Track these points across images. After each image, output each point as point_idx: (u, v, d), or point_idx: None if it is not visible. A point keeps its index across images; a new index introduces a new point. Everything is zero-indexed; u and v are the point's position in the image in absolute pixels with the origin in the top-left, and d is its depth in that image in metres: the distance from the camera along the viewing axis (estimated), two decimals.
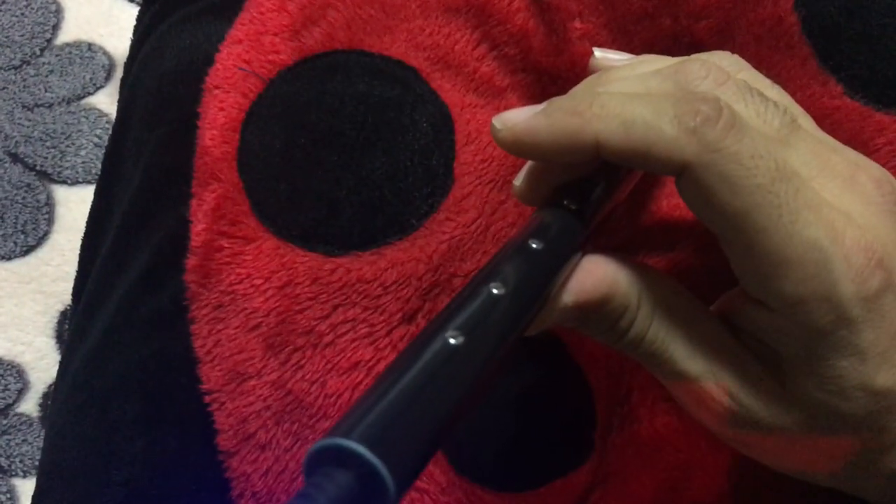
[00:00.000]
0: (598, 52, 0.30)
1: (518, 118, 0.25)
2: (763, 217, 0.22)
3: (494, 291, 0.21)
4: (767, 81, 0.27)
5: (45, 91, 0.96)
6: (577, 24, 0.36)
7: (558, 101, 0.25)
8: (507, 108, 0.36)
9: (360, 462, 0.17)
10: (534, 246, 0.23)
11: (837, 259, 0.22)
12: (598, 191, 0.26)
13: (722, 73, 0.25)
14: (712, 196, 0.22)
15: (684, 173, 0.23)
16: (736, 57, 0.27)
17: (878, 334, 0.23)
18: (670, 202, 0.33)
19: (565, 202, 0.26)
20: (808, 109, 0.27)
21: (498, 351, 0.21)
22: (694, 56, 0.27)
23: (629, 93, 0.24)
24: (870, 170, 0.25)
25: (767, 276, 0.23)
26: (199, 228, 0.34)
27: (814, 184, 0.23)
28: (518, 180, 0.28)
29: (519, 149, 0.25)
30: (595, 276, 0.25)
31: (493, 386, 0.21)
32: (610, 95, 0.24)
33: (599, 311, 0.25)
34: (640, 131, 0.23)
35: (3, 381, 0.87)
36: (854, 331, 0.23)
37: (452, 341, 0.20)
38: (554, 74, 0.36)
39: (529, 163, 0.28)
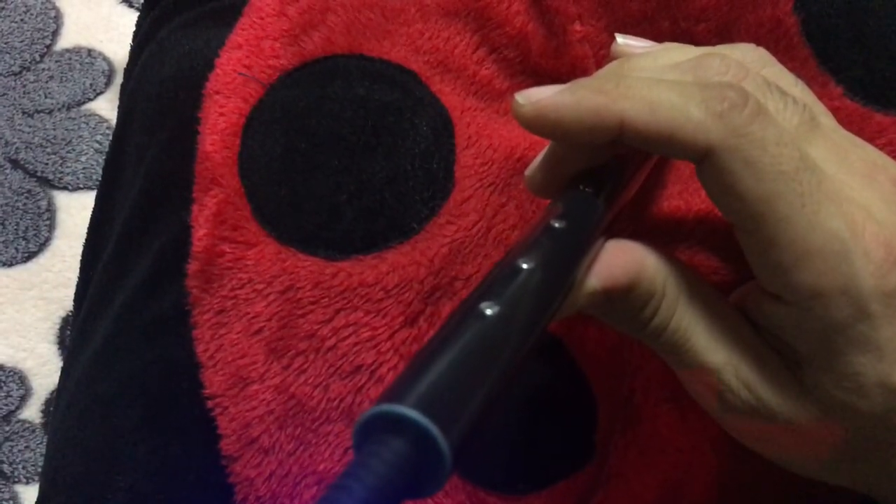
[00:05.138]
0: (621, 39, 0.29)
1: (542, 94, 0.24)
2: (785, 205, 0.22)
3: (524, 266, 0.21)
4: (791, 78, 0.27)
5: (46, 97, 0.96)
6: (577, 26, 0.36)
7: (584, 81, 0.25)
8: (506, 111, 0.36)
9: (413, 428, 0.17)
10: (557, 225, 0.23)
11: (858, 252, 0.22)
12: (613, 179, 0.26)
13: (741, 69, 0.24)
14: (735, 182, 0.22)
15: (708, 158, 0.23)
16: (762, 51, 0.27)
17: None
18: (671, 204, 0.33)
19: (581, 187, 0.25)
20: None
21: (532, 320, 0.21)
22: (715, 49, 0.27)
23: (655, 77, 0.24)
24: (889, 168, 0.25)
25: (786, 267, 0.23)
26: (200, 234, 0.34)
27: (834, 178, 0.23)
28: (531, 170, 0.28)
29: (541, 125, 0.24)
30: (623, 260, 0.25)
31: (527, 364, 0.21)
32: (636, 78, 0.24)
33: (625, 297, 0.25)
34: (667, 113, 0.23)
35: (5, 388, 0.87)
36: (873, 326, 0.22)
37: (488, 311, 0.20)
38: (554, 77, 0.37)
39: (543, 152, 0.27)
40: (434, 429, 0.17)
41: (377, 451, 0.16)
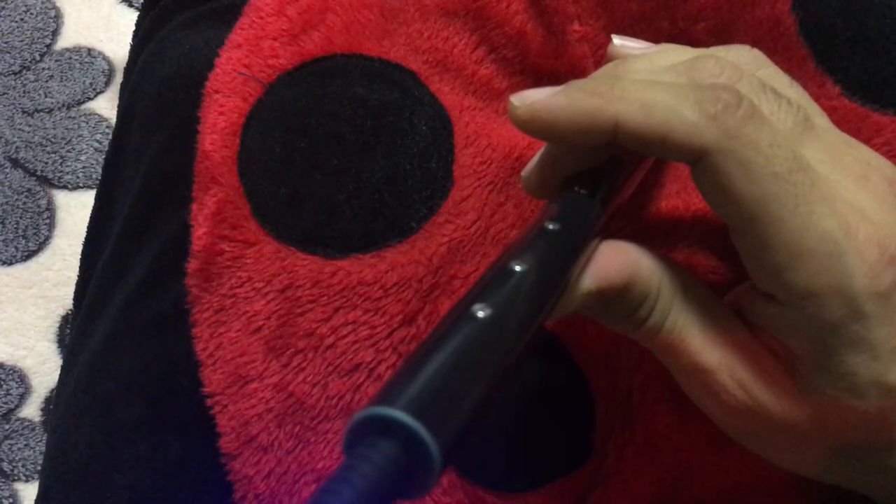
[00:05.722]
0: (617, 40, 0.29)
1: (537, 96, 0.24)
2: (779, 206, 0.22)
3: (517, 268, 0.21)
4: (786, 79, 0.27)
5: (45, 96, 0.96)
6: (576, 26, 0.36)
7: (579, 83, 0.25)
8: (505, 110, 0.36)
9: (403, 431, 0.17)
10: (551, 227, 0.23)
11: (851, 253, 0.22)
12: (609, 181, 0.26)
13: (736, 71, 0.25)
14: (729, 184, 0.22)
15: (702, 160, 0.23)
16: (756, 52, 0.27)
17: (890, 331, 0.23)
18: (668, 204, 0.33)
19: (576, 188, 0.26)
20: None
21: (524, 322, 0.21)
22: (710, 51, 0.27)
23: (649, 80, 0.24)
24: (883, 169, 0.25)
25: (780, 268, 0.23)
26: (199, 232, 0.34)
27: (828, 179, 0.23)
28: (527, 171, 0.28)
29: (536, 127, 0.25)
30: (617, 261, 0.25)
31: (521, 365, 0.21)
32: (631, 80, 0.24)
33: (620, 297, 0.25)
34: (661, 114, 0.23)
35: (5, 386, 0.88)
36: (866, 326, 0.22)
37: (480, 314, 0.20)
38: (553, 77, 0.37)
39: (539, 153, 0.28)
40: (423, 431, 0.17)
41: (367, 453, 0.16)
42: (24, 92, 0.96)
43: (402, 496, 0.17)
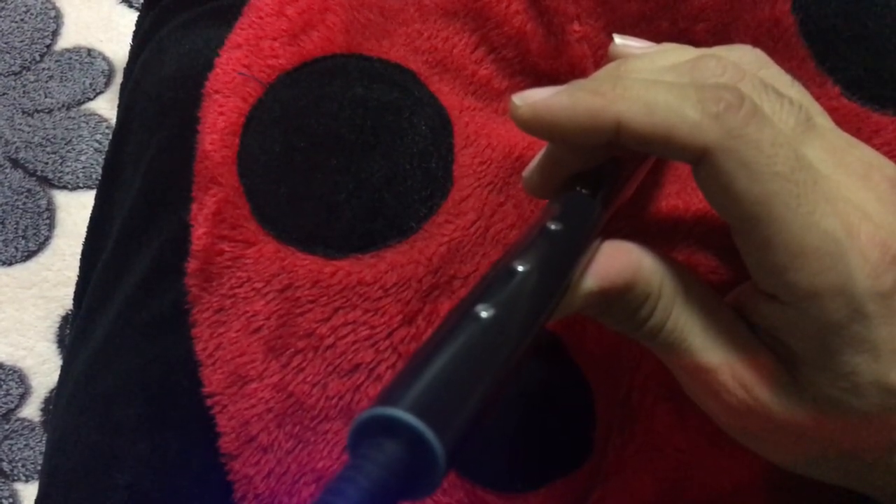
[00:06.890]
0: (619, 39, 0.29)
1: (539, 96, 0.24)
2: (781, 206, 0.22)
3: (519, 268, 0.21)
4: (788, 79, 0.27)
5: (45, 97, 0.96)
6: (576, 26, 0.36)
7: (581, 82, 0.25)
8: (505, 110, 0.36)
9: (407, 431, 0.17)
10: (553, 227, 0.23)
11: (853, 253, 0.22)
12: (610, 180, 0.26)
13: (738, 71, 0.25)
14: (731, 183, 0.22)
15: (704, 159, 0.23)
16: (758, 52, 0.27)
17: (891, 331, 0.23)
18: (668, 204, 0.33)
19: (578, 188, 0.26)
20: None
21: (527, 322, 0.21)
22: (712, 51, 0.27)
23: (652, 79, 0.24)
24: (884, 169, 0.25)
25: (782, 268, 0.23)
26: (199, 232, 0.34)
27: (830, 179, 0.23)
28: (528, 172, 0.28)
29: (538, 126, 0.25)
30: (619, 261, 0.25)
31: (524, 365, 0.21)
32: (633, 80, 0.24)
33: (622, 297, 0.25)
34: (663, 114, 0.23)
35: (4, 386, 0.88)
36: (868, 326, 0.22)
37: (483, 314, 0.20)
38: (553, 77, 0.37)
39: (540, 153, 0.28)
40: (428, 432, 0.17)
41: (371, 453, 0.16)
42: (24, 92, 0.96)
43: (406, 496, 0.17)
